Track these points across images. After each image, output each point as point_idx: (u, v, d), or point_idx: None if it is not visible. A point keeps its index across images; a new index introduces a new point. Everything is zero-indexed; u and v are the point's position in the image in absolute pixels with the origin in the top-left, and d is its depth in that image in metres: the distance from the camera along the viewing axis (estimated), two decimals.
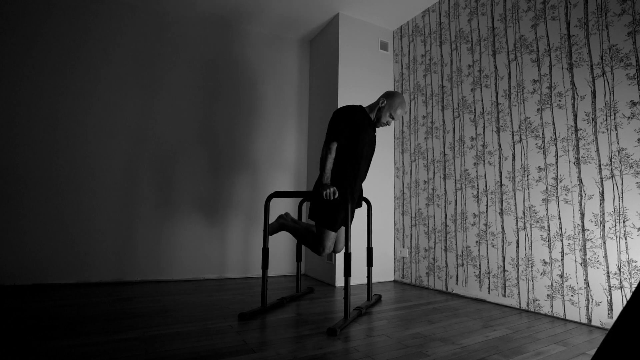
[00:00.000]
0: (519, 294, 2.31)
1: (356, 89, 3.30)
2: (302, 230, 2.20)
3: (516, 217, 2.36)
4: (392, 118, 2.18)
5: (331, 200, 2.02)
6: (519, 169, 2.37)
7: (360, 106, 2.20)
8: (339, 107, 3.18)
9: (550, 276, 2.15)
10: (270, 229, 2.21)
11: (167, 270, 3.10)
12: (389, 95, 2.19)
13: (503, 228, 2.43)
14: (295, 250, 3.61)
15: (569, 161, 2.11)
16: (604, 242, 1.93)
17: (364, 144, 2.11)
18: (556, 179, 2.16)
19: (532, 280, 2.24)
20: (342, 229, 2.26)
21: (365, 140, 2.12)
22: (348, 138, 2.09)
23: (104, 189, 2.96)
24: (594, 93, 2.03)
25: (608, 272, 1.90)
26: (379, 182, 3.33)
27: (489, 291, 2.49)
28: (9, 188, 2.70)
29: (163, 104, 3.22)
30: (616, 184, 1.90)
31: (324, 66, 3.51)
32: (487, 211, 2.55)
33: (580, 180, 2.05)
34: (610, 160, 1.93)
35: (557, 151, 2.17)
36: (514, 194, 2.38)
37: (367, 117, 2.18)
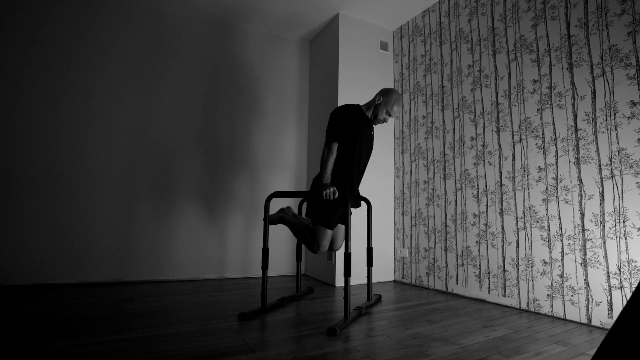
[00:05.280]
0: (519, 294, 2.31)
1: (356, 89, 3.30)
2: (300, 227, 2.20)
3: (516, 217, 2.36)
4: (389, 115, 2.19)
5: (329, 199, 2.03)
6: (519, 169, 2.37)
7: (358, 105, 2.21)
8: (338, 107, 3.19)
9: (550, 276, 2.15)
10: (270, 220, 2.23)
11: (167, 270, 3.10)
12: (384, 93, 2.20)
13: (503, 228, 2.43)
14: (295, 250, 3.61)
15: (569, 161, 2.11)
16: (604, 242, 1.93)
17: (361, 143, 2.12)
18: (556, 179, 2.16)
19: (532, 280, 2.24)
20: (340, 227, 2.26)
21: (363, 139, 2.13)
22: (347, 137, 2.10)
23: (104, 189, 2.96)
24: (594, 93, 2.03)
25: (608, 272, 1.90)
26: (379, 182, 3.33)
27: (489, 291, 2.49)
28: (9, 188, 2.70)
29: (162, 105, 3.22)
30: (616, 184, 1.90)
31: (324, 66, 3.51)
32: (487, 211, 2.55)
33: (580, 180, 2.05)
34: (610, 160, 1.93)
35: (557, 151, 2.17)
36: (514, 194, 2.38)
37: (364, 115, 2.19)
